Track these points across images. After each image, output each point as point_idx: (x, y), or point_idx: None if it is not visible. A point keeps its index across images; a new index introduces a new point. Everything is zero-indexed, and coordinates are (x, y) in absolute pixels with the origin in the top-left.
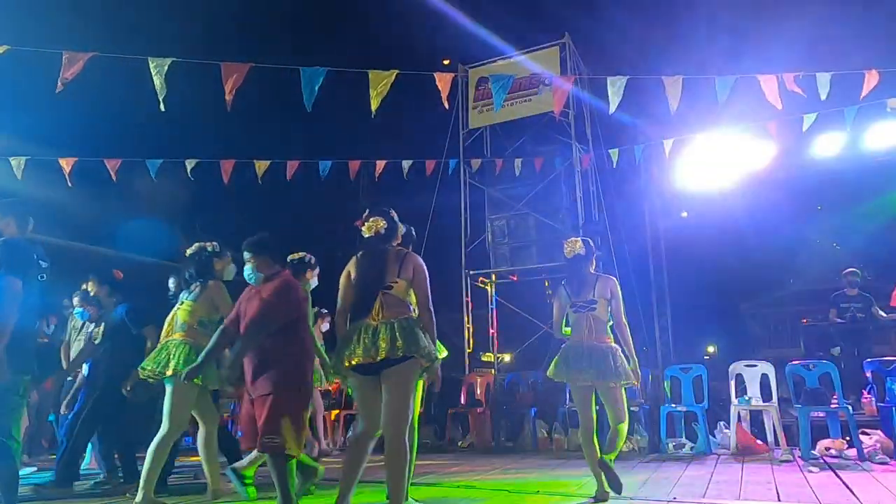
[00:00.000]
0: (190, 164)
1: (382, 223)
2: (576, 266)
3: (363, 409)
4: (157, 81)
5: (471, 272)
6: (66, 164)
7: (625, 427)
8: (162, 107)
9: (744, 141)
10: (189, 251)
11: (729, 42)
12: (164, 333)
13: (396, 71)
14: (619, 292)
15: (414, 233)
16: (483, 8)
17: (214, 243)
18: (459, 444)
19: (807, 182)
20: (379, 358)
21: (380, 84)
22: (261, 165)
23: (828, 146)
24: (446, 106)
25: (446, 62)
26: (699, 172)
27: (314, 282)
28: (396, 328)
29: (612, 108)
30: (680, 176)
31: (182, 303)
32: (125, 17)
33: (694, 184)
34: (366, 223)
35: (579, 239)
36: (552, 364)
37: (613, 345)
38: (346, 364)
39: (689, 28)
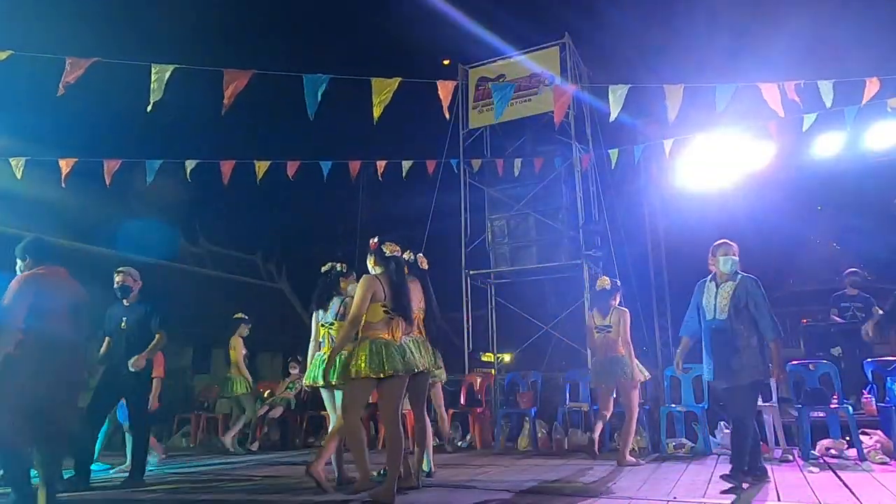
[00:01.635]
0: (190, 164)
1: (398, 248)
2: (601, 297)
3: (398, 406)
4: (156, 86)
5: (471, 272)
6: (65, 164)
7: (634, 418)
8: (149, 109)
9: (744, 141)
10: (323, 269)
11: (729, 40)
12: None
13: (399, 79)
14: (627, 320)
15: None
16: (483, 8)
17: (344, 264)
18: (459, 444)
19: (807, 182)
20: (424, 368)
21: (382, 92)
22: (261, 166)
23: (828, 146)
24: (447, 116)
25: (446, 62)
26: (699, 172)
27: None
28: (429, 346)
29: (613, 116)
30: (680, 176)
31: (332, 324)
32: (127, 19)
33: (694, 184)
34: (383, 244)
35: (608, 278)
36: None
37: (621, 355)
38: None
39: (688, 27)
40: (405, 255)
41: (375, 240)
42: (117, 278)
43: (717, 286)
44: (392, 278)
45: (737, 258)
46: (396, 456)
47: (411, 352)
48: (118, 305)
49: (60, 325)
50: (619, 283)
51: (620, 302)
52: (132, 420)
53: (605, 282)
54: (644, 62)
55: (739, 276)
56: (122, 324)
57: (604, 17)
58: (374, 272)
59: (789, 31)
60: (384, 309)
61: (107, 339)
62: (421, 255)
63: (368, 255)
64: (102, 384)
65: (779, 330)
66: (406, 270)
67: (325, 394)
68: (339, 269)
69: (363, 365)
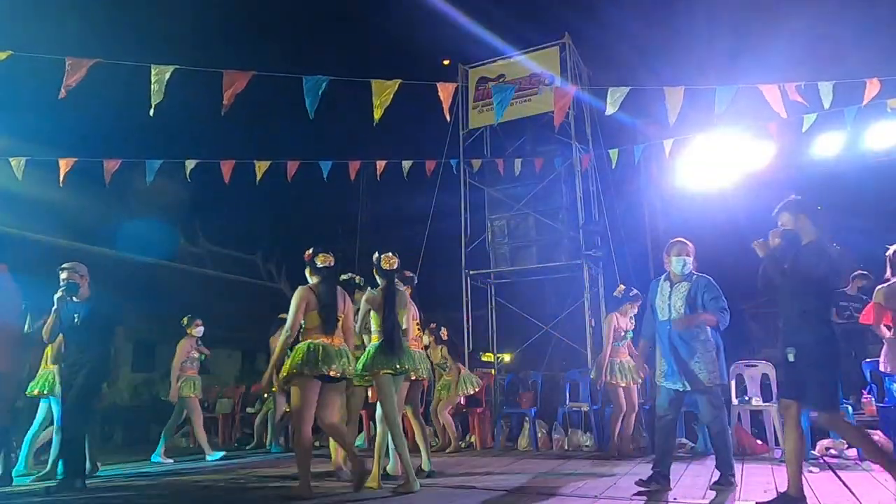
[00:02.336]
0: (190, 164)
1: (331, 258)
2: (612, 304)
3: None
4: (156, 87)
5: (471, 272)
6: (65, 164)
7: (616, 414)
8: (151, 112)
9: (744, 141)
10: (343, 277)
11: (729, 40)
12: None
13: (399, 81)
14: (604, 327)
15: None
16: (483, 8)
17: (361, 278)
18: (460, 444)
19: (807, 182)
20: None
21: (383, 93)
22: (261, 166)
23: (828, 146)
24: (448, 118)
25: (446, 62)
26: (699, 172)
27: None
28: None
29: (609, 111)
30: (680, 176)
31: None
32: (127, 19)
33: (694, 184)
34: (316, 256)
35: (623, 286)
36: None
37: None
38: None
39: (689, 27)
40: (373, 257)
41: (310, 251)
42: (63, 275)
43: (672, 286)
44: (320, 288)
45: (690, 258)
46: (349, 448)
47: (348, 357)
48: (70, 303)
49: (15, 319)
50: (634, 292)
51: (637, 312)
52: (67, 417)
53: (619, 290)
54: (644, 62)
55: (694, 276)
56: (75, 320)
57: (604, 18)
58: (310, 281)
59: (789, 31)
60: (320, 315)
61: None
62: (387, 255)
63: (306, 266)
64: (65, 385)
65: (723, 320)
66: (374, 272)
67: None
68: (356, 281)
69: (299, 362)
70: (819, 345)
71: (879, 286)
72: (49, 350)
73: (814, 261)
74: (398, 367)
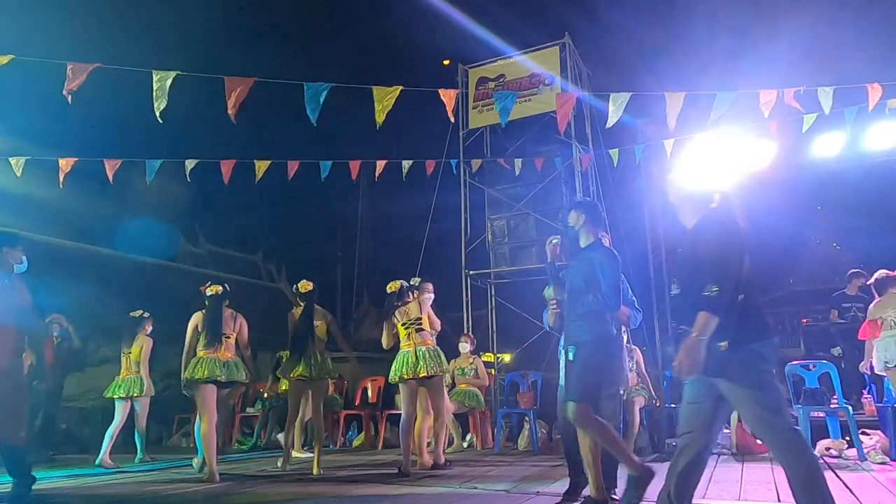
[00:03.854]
0: (190, 164)
1: (219, 288)
2: None
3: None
4: (159, 94)
5: (471, 272)
6: (65, 164)
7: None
8: (159, 118)
9: (744, 141)
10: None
11: (729, 40)
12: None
13: (400, 87)
14: None
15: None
16: (483, 8)
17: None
18: (462, 443)
19: (807, 182)
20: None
21: (384, 99)
22: (261, 166)
23: (828, 146)
24: (451, 120)
25: (446, 62)
26: (699, 172)
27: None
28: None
29: (611, 122)
30: (680, 176)
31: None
32: (130, 22)
33: (694, 184)
34: (207, 287)
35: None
36: None
37: None
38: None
39: (689, 27)
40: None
41: (206, 285)
42: None
43: None
44: (207, 313)
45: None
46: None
47: (236, 366)
48: None
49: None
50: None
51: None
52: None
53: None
54: (644, 62)
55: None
56: None
57: (604, 17)
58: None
59: (790, 32)
60: (207, 334)
61: None
62: (303, 281)
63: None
64: None
65: (635, 318)
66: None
67: (403, 389)
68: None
69: (190, 374)
70: (594, 343)
71: None
72: (129, 356)
73: (588, 259)
74: (303, 373)
